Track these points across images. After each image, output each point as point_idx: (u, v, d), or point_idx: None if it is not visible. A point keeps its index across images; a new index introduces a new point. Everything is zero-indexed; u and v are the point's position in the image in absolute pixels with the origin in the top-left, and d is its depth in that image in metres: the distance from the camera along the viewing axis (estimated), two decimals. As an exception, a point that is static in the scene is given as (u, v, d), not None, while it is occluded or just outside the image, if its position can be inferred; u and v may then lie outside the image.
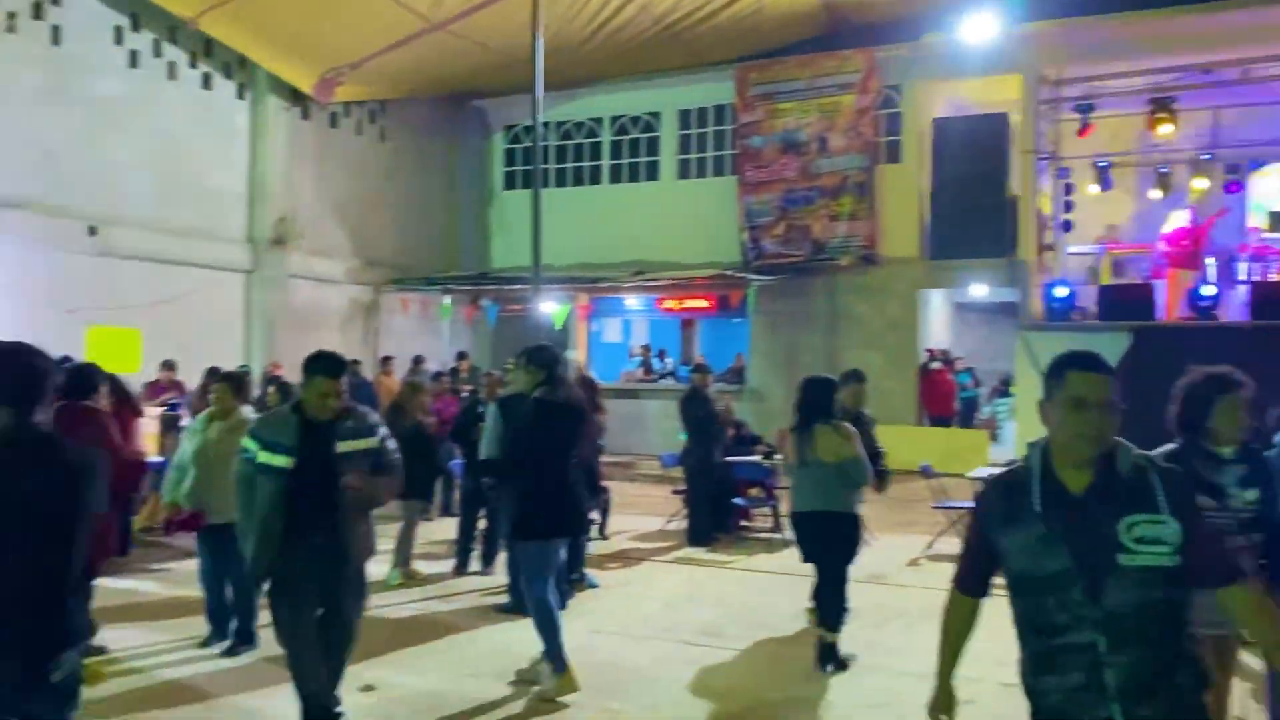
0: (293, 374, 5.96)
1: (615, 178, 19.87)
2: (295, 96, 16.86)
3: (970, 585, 2.83)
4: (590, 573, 8.45)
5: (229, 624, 6.47)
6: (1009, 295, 16.66)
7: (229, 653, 6.33)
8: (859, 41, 17.13)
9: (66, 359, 9.80)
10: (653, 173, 19.49)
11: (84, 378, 6.43)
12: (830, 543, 6.23)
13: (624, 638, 6.94)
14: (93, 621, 3.25)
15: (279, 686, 5.12)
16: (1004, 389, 18.62)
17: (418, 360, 15.77)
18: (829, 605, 6.26)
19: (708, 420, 10.46)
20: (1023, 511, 2.60)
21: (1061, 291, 15.32)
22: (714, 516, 10.44)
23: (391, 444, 4.83)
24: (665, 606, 7.85)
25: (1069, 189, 17.56)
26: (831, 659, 6.19)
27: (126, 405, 8.76)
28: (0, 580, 2.99)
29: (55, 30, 13.57)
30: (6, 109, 12.83)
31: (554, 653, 5.58)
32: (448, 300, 18.80)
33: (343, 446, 4.60)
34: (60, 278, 13.12)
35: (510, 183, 20.89)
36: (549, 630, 5.59)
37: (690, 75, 18.57)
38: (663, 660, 6.42)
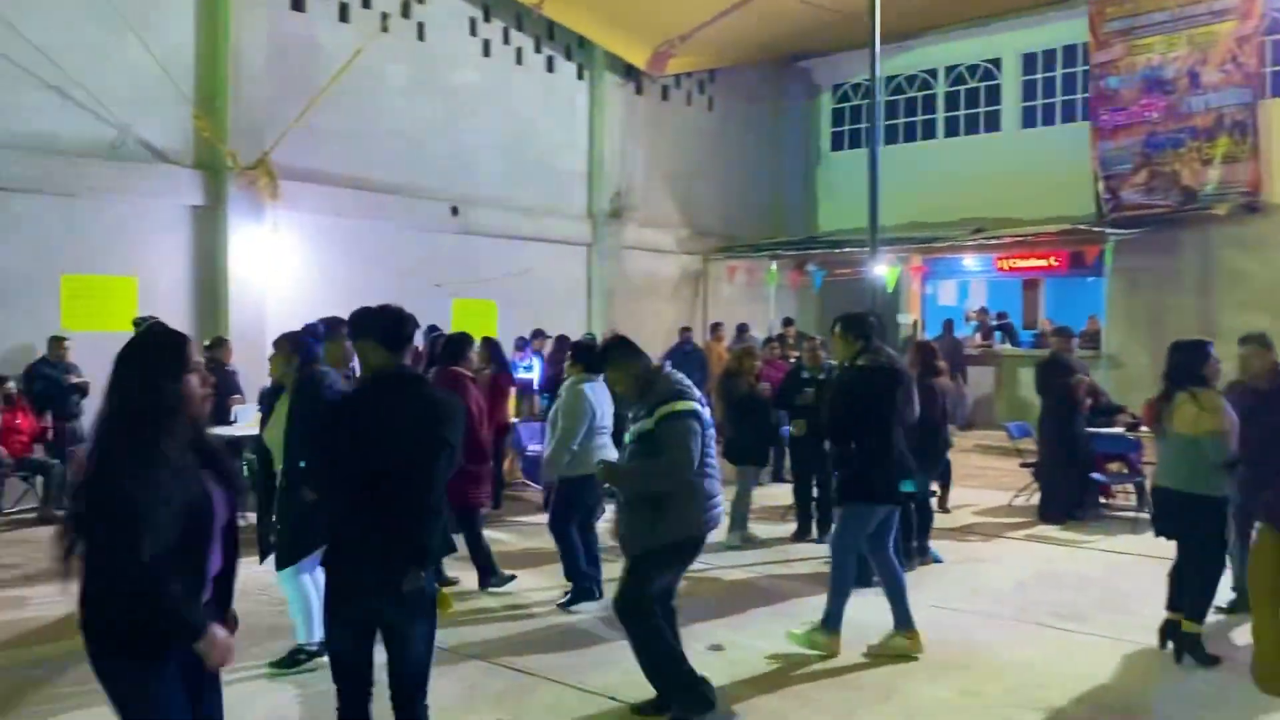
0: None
1: (951, 131, 18.89)
2: (629, 73, 17.42)
3: None
4: (934, 546, 8.10)
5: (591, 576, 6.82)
6: None
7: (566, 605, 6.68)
8: (1239, -41, 15.11)
9: (434, 329, 10.83)
10: (993, 123, 18.33)
11: (456, 344, 7.07)
12: (1186, 526, 5.70)
13: (973, 615, 6.58)
14: (450, 540, 3.56)
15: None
16: None
17: (742, 328, 15.85)
18: (1193, 591, 5.67)
19: (1068, 389, 9.65)
20: None
21: None
22: (1071, 492, 9.66)
23: (669, 425, 4.53)
24: (1017, 585, 7.36)
25: None
26: (1192, 651, 5.61)
27: (503, 373, 9.50)
28: (365, 498, 3.39)
29: (420, 27, 14.84)
30: (381, 102, 14.20)
31: (832, 613, 5.70)
32: (774, 266, 18.73)
33: (628, 435, 4.80)
34: (427, 254, 14.43)
35: (838, 143, 20.46)
36: (838, 591, 5.72)
37: (1034, 16, 17.24)
38: (1016, 641, 6.02)
